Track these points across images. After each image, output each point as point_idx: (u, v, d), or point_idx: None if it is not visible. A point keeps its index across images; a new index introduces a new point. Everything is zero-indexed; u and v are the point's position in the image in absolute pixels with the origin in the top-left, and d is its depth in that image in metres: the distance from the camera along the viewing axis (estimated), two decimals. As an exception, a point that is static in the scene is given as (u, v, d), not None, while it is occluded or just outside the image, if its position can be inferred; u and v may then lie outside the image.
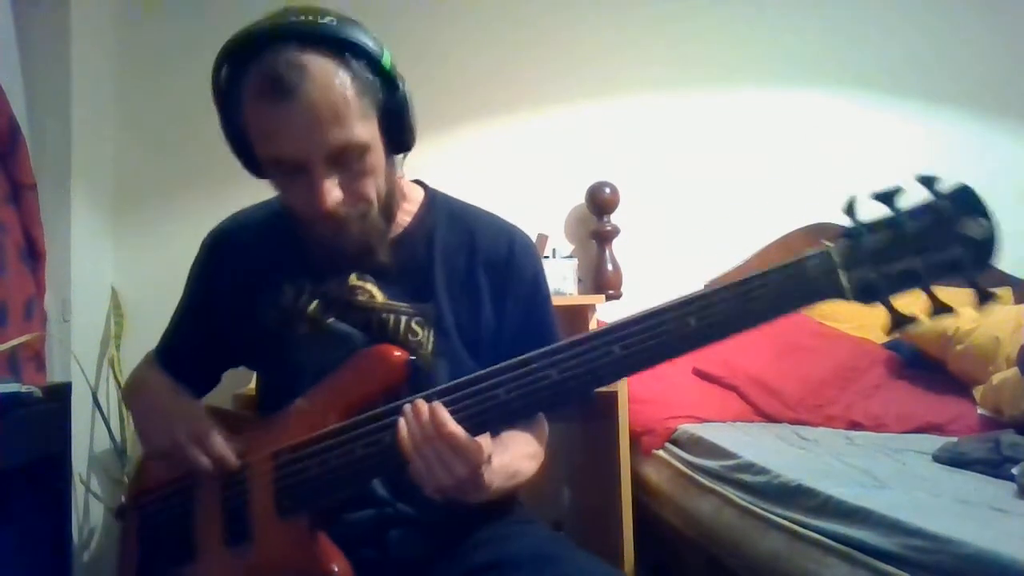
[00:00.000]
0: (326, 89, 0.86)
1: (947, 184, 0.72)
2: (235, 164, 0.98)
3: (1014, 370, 1.84)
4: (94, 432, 2.19)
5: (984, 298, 0.71)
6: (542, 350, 0.82)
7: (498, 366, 0.84)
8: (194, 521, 0.98)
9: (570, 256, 2.37)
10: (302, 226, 0.96)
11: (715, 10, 2.66)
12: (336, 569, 0.88)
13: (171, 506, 1.01)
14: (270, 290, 1.03)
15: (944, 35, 2.71)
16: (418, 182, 1.12)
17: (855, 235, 0.74)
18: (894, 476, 1.41)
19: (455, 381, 0.85)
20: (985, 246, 0.70)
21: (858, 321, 2.40)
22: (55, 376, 1.99)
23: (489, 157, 2.54)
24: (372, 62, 0.90)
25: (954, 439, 1.66)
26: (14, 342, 1.71)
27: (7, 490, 1.44)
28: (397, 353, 0.92)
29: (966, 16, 2.73)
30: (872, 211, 0.74)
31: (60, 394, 1.56)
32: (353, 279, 1.01)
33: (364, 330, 1.00)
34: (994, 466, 1.43)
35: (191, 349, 1.12)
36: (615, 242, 2.45)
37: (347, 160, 0.89)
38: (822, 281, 0.74)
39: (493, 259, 1.05)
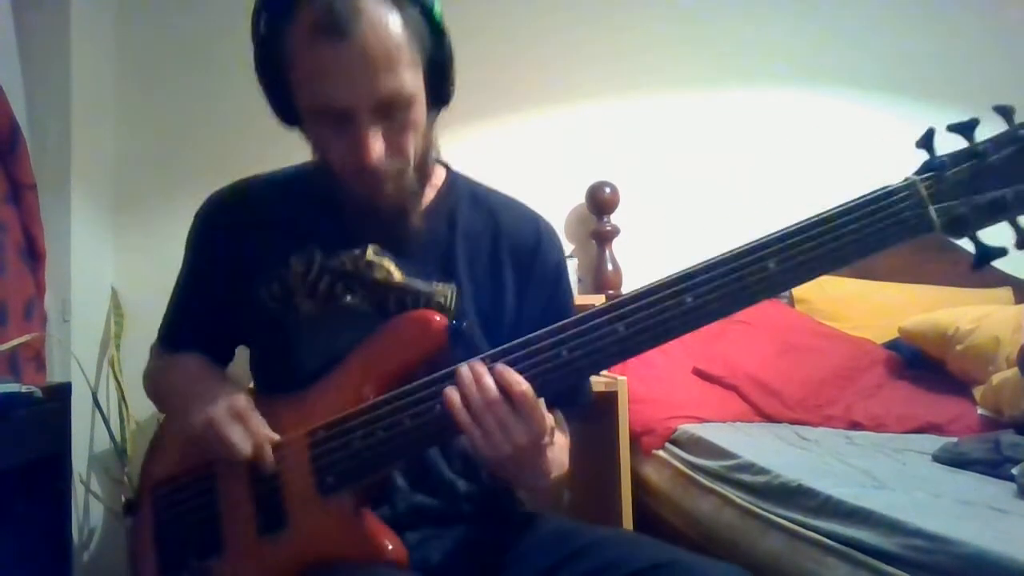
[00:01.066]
0: (381, 32, 0.82)
1: None
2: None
3: (1014, 370, 1.83)
4: (94, 432, 2.18)
5: None
6: (604, 306, 0.78)
7: (549, 328, 0.80)
8: (220, 510, 0.92)
9: (570, 256, 2.37)
10: (337, 182, 0.91)
11: (714, 10, 2.65)
12: (389, 546, 0.83)
13: (191, 496, 0.95)
14: (272, 262, 0.97)
15: (943, 35, 2.71)
16: (439, 161, 1.05)
17: (938, 167, 0.72)
18: (894, 476, 1.40)
19: (508, 344, 0.81)
20: None
21: (858, 321, 2.40)
22: (55, 376, 1.98)
23: (489, 157, 2.53)
24: (424, 9, 0.86)
25: (954, 439, 1.65)
26: (14, 342, 1.71)
27: (7, 490, 1.44)
28: (437, 318, 0.87)
29: (964, 16, 2.73)
30: (948, 144, 0.73)
31: (60, 394, 1.57)
32: (370, 254, 0.95)
33: (378, 309, 0.94)
34: (994, 466, 1.42)
35: (193, 326, 1.06)
36: (615, 242, 2.45)
37: (392, 111, 0.85)
38: (911, 217, 0.72)
39: (519, 245, 1.01)
